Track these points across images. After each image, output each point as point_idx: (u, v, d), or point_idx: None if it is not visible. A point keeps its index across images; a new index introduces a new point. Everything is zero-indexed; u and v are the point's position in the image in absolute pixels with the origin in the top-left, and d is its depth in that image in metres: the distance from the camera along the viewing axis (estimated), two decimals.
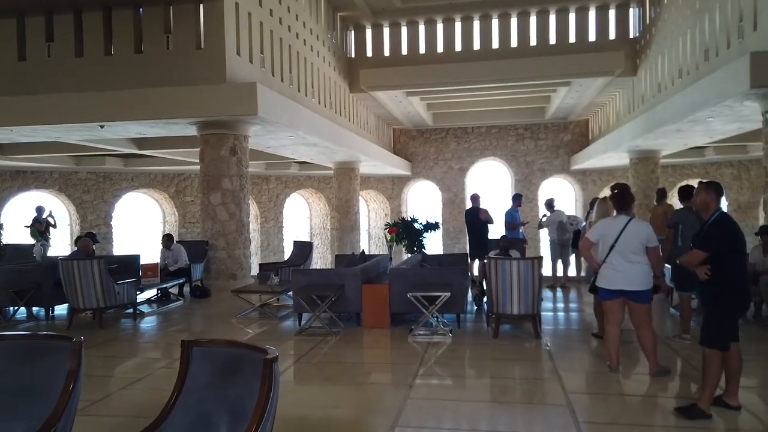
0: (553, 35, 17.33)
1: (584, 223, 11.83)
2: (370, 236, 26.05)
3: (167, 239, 9.60)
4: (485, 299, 8.43)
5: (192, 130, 10.58)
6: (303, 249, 9.83)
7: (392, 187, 25.12)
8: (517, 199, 10.92)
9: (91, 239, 9.08)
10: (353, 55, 18.51)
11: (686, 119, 11.08)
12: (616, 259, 4.92)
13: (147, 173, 20.18)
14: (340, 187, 18.26)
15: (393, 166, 21.13)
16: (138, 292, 8.13)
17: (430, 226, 10.25)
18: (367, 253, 24.92)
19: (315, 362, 5.70)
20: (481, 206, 9.72)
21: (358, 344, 6.49)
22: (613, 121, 19.55)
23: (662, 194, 11.18)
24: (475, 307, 8.39)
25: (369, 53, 18.43)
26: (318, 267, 24.91)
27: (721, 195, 4.27)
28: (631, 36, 17.07)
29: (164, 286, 9.04)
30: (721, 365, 4.02)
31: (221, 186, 10.28)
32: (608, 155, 18.22)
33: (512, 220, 10.53)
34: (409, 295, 6.43)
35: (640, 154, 16.46)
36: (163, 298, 9.39)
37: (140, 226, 22.71)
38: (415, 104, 19.52)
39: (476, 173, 25.65)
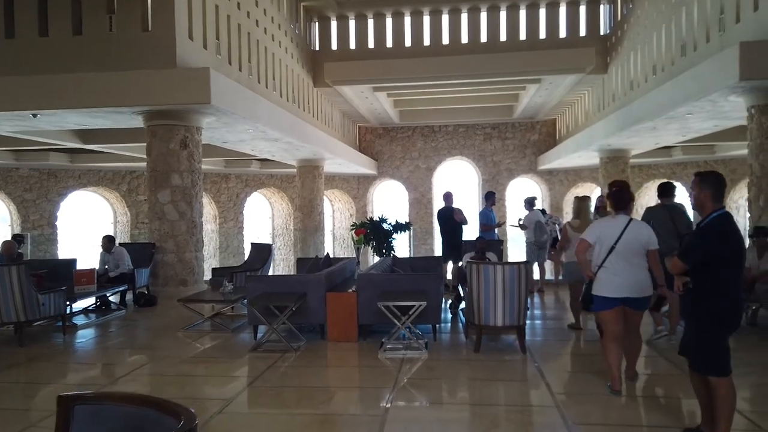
0: (523, 31, 16.83)
1: (561, 224, 11.31)
2: (335, 237, 25.17)
3: (107, 241, 8.56)
4: (461, 306, 7.72)
5: (138, 121, 9.56)
6: (261, 252, 8.93)
7: (358, 187, 24.30)
8: (490, 197, 10.24)
9: (16, 242, 7.98)
10: (317, 48, 17.63)
11: (664, 116, 10.60)
12: (617, 263, 4.39)
13: (96, 170, 18.85)
14: (303, 186, 17.34)
15: (359, 164, 20.31)
16: (69, 303, 7.11)
17: (401, 227, 9.49)
18: (332, 256, 24.07)
19: (271, 385, 4.84)
20: (455, 205, 9.02)
21: (322, 362, 5.65)
22: (582, 120, 19.18)
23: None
24: (450, 315, 7.67)
25: (334, 46, 17.58)
26: (281, 271, 23.97)
27: (720, 189, 3.47)
28: (602, 33, 16.69)
29: (103, 294, 8.02)
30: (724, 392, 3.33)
31: (170, 182, 9.29)
32: (578, 155, 17.81)
33: (487, 221, 9.85)
34: (379, 304, 5.63)
35: (610, 154, 16.06)
36: (103, 307, 8.35)
37: (89, 227, 21.28)
38: (381, 100, 18.75)
39: (444, 173, 25.05)
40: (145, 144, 9.49)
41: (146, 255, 9.14)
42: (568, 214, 23.57)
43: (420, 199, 24.00)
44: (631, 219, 4.53)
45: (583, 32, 16.73)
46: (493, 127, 23.61)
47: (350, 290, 6.52)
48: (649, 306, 5.08)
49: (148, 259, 9.11)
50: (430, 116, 22.95)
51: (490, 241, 8.78)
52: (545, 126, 23.37)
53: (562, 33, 16.70)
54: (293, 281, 6.32)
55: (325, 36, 17.69)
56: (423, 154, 23.98)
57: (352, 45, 17.44)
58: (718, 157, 18.70)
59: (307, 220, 17.33)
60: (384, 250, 9.35)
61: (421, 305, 5.56)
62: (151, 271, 9.24)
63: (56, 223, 18.54)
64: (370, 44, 17.31)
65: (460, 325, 7.13)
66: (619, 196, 4.64)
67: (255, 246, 9.42)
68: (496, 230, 10.47)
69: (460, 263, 8.80)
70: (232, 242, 21.63)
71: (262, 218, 26.17)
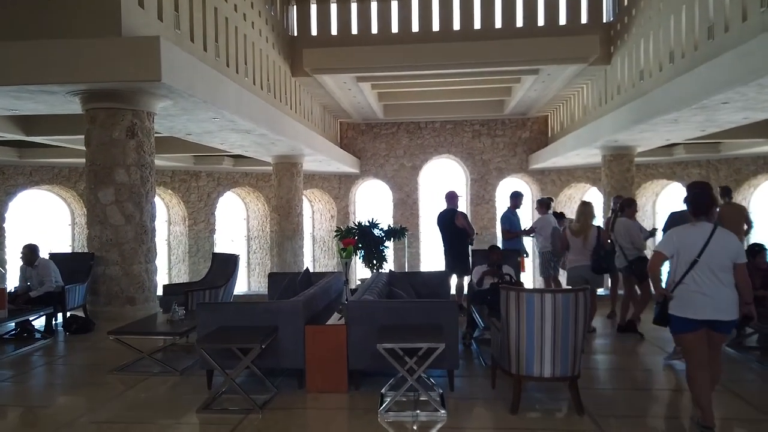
0: (520, 17, 15.32)
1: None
2: (315, 240, 23.43)
3: (28, 252, 6.75)
4: (474, 334, 6.11)
5: (77, 105, 7.76)
6: (225, 265, 7.17)
7: (339, 186, 22.60)
8: (516, 198, 8.55)
9: None
10: (296, 34, 15.89)
11: (694, 105, 9.14)
12: (703, 279, 3.72)
13: (49, 166, 16.86)
14: (280, 184, 15.59)
15: (341, 162, 18.61)
16: None
17: (394, 233, 7.86)
18: (312, 260, 22.20)
19: None
20: (459, 208, 7.42)
21: (299, 428, 3.99)
22: (579, 115, 17.74)
23: (728, 192, 9.36)
24: (461, 346, 6.06)
25: (314, 32, 15.85)
26: (257, 277, 22.11)
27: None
28: (605, 20, 15.25)
29: (21, 319, 6.24)
30: None
31: (114, 179, 7.50)
32: (576, 152, 16.37)
33: (511, 227, 8.15)
34: (380, 347, 4.00)
35: (614, 151, 14.62)
36: (24, 335, 6.58)
37: (44, 230, 19.27)
38: (365, 92, 17.06)
39: (430, 172, 23.49)
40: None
41: (83, 268, 7.36)
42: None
43: (405, 200, 22.40)
44: (715, 227, 3.80)
45: (584, 19, 15.28)
46: (483, 123, 22.11)
47: (337, 321, 4.87)
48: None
49: (85, 272, 7.33)
50: (416, 111, 21.35)
51: (507, 251, 7.18)
52: (537, 123, 21.94)
53: (562, 20, 15.22)
54: (260, 311, 4.62)
55: (303, 20, 15.96)
56: (408, 152, 22.37)
57: (334, 31, 15.74)
58: (723, 156, 17.44)
59: (285, 222, 15.60)
60: (375, 262, 7.71)
61: (438, 348, 3.94)
62: (90, 288, 7.46)
63: (3, 225, 16.52)
64: (354, 30, 15.64)
65: (479, 361, 5.52)
66: (701, 200, 3.88)
67: (218, 257, 7.63)
68: (523, 238, 8.63)
69: (468, 277, 7.21)
70: (203, 245, 19.75)
71: (236, 219, 24.34)
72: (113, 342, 5.92)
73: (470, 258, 7.34)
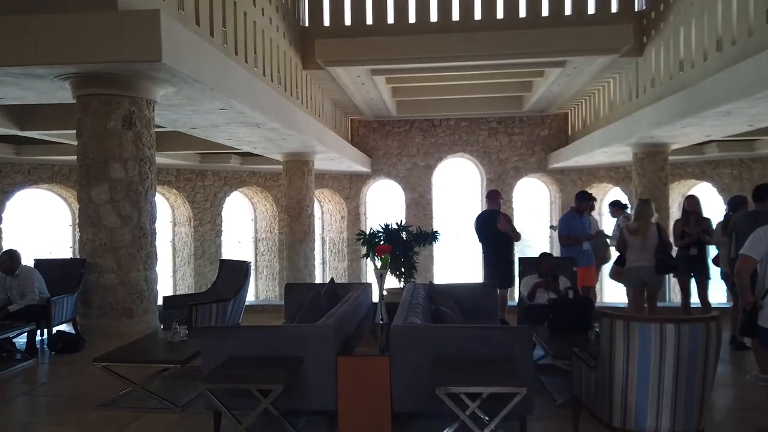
0: (546, 6, 14.32)
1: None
2: (325, 242, 22.47)
3: (8, 260, 5.81)
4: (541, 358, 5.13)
5: (66, 91, 6.83)
6: (234, 273, 6.16)
7: (350, 186, 21.65)
8: (582, 200, 7.43)
9: None
10: (307, 24, 14.93)
11: (757, 95, 8.15)
12: None
13: (48, 164, 15.97)
14: (290, 184, 14.64)
15: (353, 160, 17.66)
16: None
17: (425, 237, 6.89)
18: (324, 264, 21.13)
19: None
20: (501, 210, 6.45)
21: None
22: (605, 112, 16.72)
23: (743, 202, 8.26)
24: None
25: (326, 22, 14.89)
26: (265, 281, 21.14)
27: None
28: (637, 9, 14.25)
29: (4, 336, 5.30)
30: None
31: (108, 175, 6.56)
32: (603, 150, 15.41)
33: (570, 232, 7.03)
34: (440, 391, 3.04)
35: (647, 148, 13.62)
36: (3, 354, 5.64)
37: (44, 231, 18.42)
38: (380, 87, 16.08)
39: (444, 171, 22.52)
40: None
41: (73, 276, 6.42)
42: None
43: (418, 201, 21.42)
44: None
45: (614, 8, 14.28)
46: (499, 121, 21.10)
47: (376, 350, 3.91)
48: None
49: (75, 281, 6.39)
50: (430, 108, 20.35)
51: (563, 260, 6.20)
52: (556, 121, 20.92)
53: (591, 9, 14.22)
54: (281, 337, 3.67)
55: (316, 10, 14.97)
56: (422, 151, 21.39)
57: (348, 21, 14.77)
58: (757, 154, 16.42)
59: (295, 224, 14.64)
60: (402, 271, 6.74)
61: (519, 394, 2.98)
62: (81, 299, 6.53)
63: (0, 226, 15.63)
64: (368, 20, 14.66)
65: (548, 395, 4.54)
66: None
67: (226, 264, 6.63)
68: (588, 244, 7.44)
69: (511, 289, 6.24)
70: (209, 247, 18.83)
71: (243, 221, 23.43)
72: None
73: (515, 266, 6.37)
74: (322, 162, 16.78)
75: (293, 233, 14.68)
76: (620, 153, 15.87)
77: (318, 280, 16.00)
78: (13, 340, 5.59)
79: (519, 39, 13.14)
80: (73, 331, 6.35)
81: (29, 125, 11.03)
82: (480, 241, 6.67)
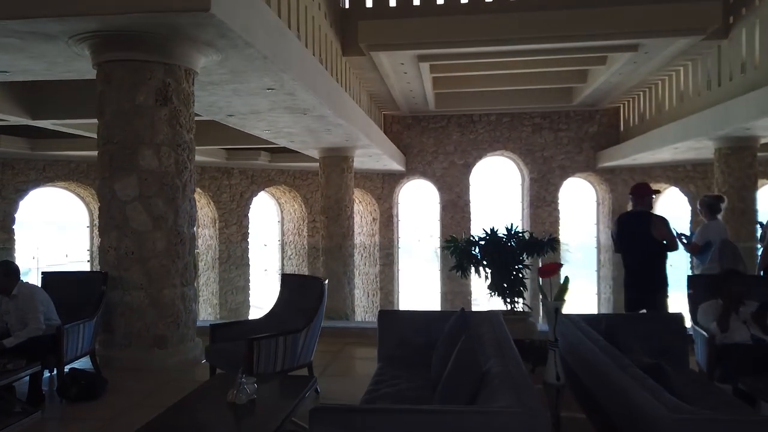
0: None
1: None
2: (355, 246, 20.93)
3: (1, 275, 4.34)
4: None
5: (85, 59, 5.36)
6: (303, 294, 4.54)
7: (382, 186, 20.11)
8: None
9: None
10: (347, 5, 13.42)
11: None
12: None
13: (65, 160, 14.60)
14: (328, 182, 13.12)
15: (391, 157, 16.13)
16: None
17: (537, 245, 5.32)
18: (356, 269, 19.48)
19: None
20: (655, 211, 4.90)
21: None
22: (671, 104, 15.06)
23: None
24: None
25: (369, 3, 13.37)
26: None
27: None
28: None
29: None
30: None
31: (137, 164, 5.08)
32: (675, 147, 13.78)
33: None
34: None
35: (733, 143, 11.95)
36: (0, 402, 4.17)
37: (60, 232, 17.07)
38: (424, 75, 14.53)
39: (484, 171, 20.96)
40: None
41: (91, 295, 4.94)
42: None
43: (456, 202, 19.85)
44: None
45: None
46: (544, 116, 19.48)
47: None
48: None
49: (94, 302, 4.91)
50: (469, 102, 18.74)
51: (750, 279, 4.62)
52: (605, 116, 19.26)
53: None
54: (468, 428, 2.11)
55: None
56: (459, 148, 19.81)
57: (393, 1, 13.25)
58: None
59: (334, 226, 13.12)
60: (504, 287, 5.18)
61: None
62: (101, 324, 5.04)
63: (13, 227, 14.29)
64: (416, 0, 13.13)
65: None
66: None
67: (291, 281, 4.99)
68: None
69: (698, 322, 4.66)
70: (234, 251, 17.37)
71: (267, 222, 22.00)
72: (137, 413, 3.45)
73: (668, 287, 4.81)
74: (359, 159, 15.28)
75: (331, 236, 13.17)
76: (693, 149, 14.25)
77: (353, 287, 14.48)
78: (12, 384, 4.09)
79: (587, 18, 11.52)
80: (91, 368, 4.85)
81: (42, 113, 9.61)
82: (621, 251, 5.11)
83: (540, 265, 3.22)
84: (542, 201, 19.54)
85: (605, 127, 19.19)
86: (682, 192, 17.93)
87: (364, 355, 5.70)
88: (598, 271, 20.28)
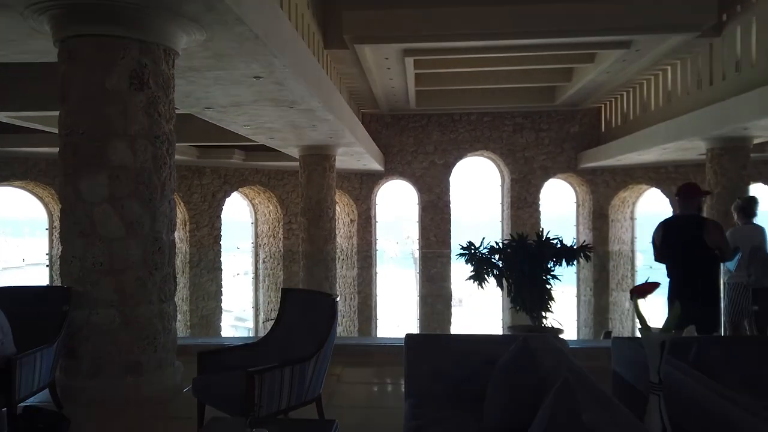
0: None
1: None
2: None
3: None
4: None
5: (45, 34, 4.52)
6: (309, 312, 3.78)
7: (360, 186, 19.41)
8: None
9: None
10: None
11: None
12: None
13: (22, 157, 13.47)
14: (309, 182, 12.36)
15: (372, 156, 15.46)
16: None
17: (569, 253, 4.71)
18: (336, 275, 18.75)
19: None
20: (705, 215, 4.32)
21: None
22: (657, 104, 14.79)
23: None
24: None
25: None
26: (263, 292, 18.70)
27: None
28: None
29: None
30: None
31: (108, 159, 4.28)
32: (663, 147, 13.49)
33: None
34: None
35: (727, 143, 11.65)
36: None
37: (18, 237, 15.86)
38: (408, 72, 13.90)
39: (464, 171, 20.47)
40: None
41: (51, 315, 4.12)
42: (616, 222, 19.31)
43: (435, 203, 19.28)
44: None
45: None
46: (525, 116, 19.09)
47: None
48: None
49: (55, 324, 4.09)
50: (450, 101, 18.19)
51: None
52: (587, 116, 18.97)
53: None
54: None
55: None
56: (440, 148, 19.27)
57: None
58: None
59: (314, 229, 12.36)
60: (523, 300, 4.55)
61: None
62: (63, 349, 4.22)
63: None
64: None
65: None
66: None
67: (294, 298, 4.20)
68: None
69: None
70: (206, 255, 16.41)
71: (240, 224, 21.07)
72: None
73: (720, 301, 4.25)
74: (339, 158, 14.54)
75: (312, 240, 12.41)
76: (680, 150, 13.99)
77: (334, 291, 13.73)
78: None
79: (580, 12, 11.06)
80: (50, 404, 4.03)
81: None
82: (666, 260, 4.52)
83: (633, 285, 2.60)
84: (523, 202, 19.15)
85: (587, 127, 18.92)
86: (664, 193, 17.73)
87: (371, 377, 5.03)
88: (578, 273, 20.00)
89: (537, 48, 12.76)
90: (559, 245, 4.86)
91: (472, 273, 4.99)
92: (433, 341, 3.41)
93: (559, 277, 4.83)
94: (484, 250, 4.90)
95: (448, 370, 3.28)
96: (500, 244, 4.83)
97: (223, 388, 3.41)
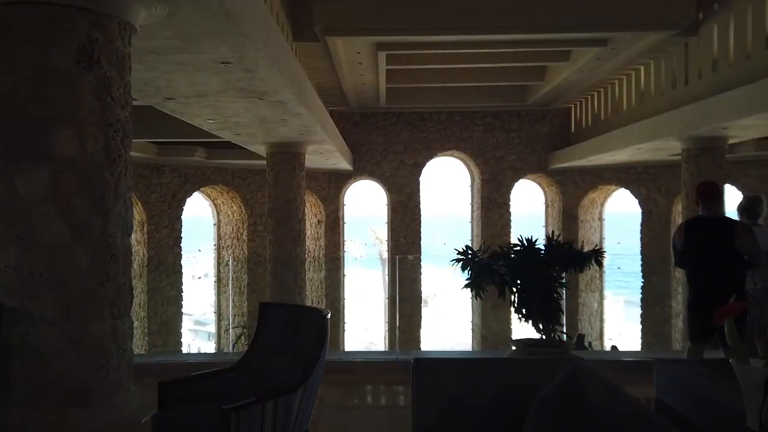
0: None
1: None
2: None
3: None
4: None
5: None
6: (295, 331, 3.17)
7: (328, 186, 18.80)
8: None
9: None
10: None
11: None
12: None
13: None
14: (277, 181, 11.68)
15: (342, 155, 14.88)
16: None
17: (580, 259, 4.26)
18: (305, 281, 18.08)
19: None
20: (737, 219, 3.91)
21: None
22: (630, 104, 14.69)
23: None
24: None
25: None
26: (227, 296, 17.81)
27: None
28: None
29: None
30: None
31: (50, 150, 3.59)
32: (637, 147, 13.40)
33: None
34: None
35: (703, 143, 11.55)
36: None
37: None
38: (380, 66, 13.38)
39: (435, 171, 20.10)
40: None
41: None
42: (585, 223, 19.24)
43: (405, 203, 18.85)
44: None
45: None
46: (495, 116, 18.84)
47: None
48: None
49: None
50: (421, 99, 17.75)
51: None
52: (557, 116, 18.87)
53: None
54: None
55: None
56: (410, 148, 18.85)
57: None
58: None
59: (283, 230, 11.69)
60: (542, 310, 4.10)
61: None
62: None
63: None
64: None
65: None
66: None
67: (274, 314, 3.48)
68: None
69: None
70: (165, 258, 15.49)
71: (202, 225, 20.16)
72: None
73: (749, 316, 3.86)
74: (308, 156, 13.92)
75: (279, 242, 11.74)
76: (653, 150, 13.94)
77: (306, 299, 13.07)
78: None
79: (558, 7, 10.76)
80: None
81: None
82: (689, 266, 4.10)
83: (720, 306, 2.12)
84: (493, 203, 18.91)
85: (557, 127, 18.81)
86: (633, 194, 17.74)
87: (359, 401, 4.47)
88: None
89: (513, 44, 12.45)
90: (572, 249, 4.42)
91: (469, 281, 4.49)
92: (444, 367, 2.88)
93: (567, 285, 4.40)
94: (485, 256, 4.41)
95: (463, 400, 2.76)
96: (505, 249, 4.36)
97: (190, 427, 2.80)
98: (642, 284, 17.09)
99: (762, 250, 4.89)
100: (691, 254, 4.17)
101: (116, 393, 3.85)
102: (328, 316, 3.18)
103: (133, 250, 13.02)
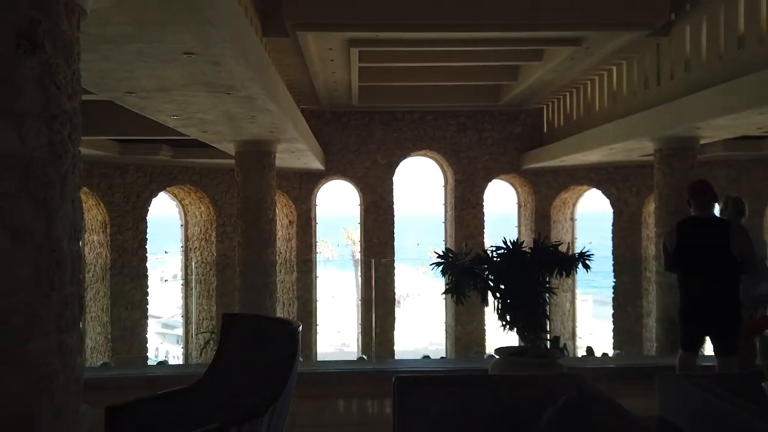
0: None
1: None
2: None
3: None
4: None
5: None
6: (264, 343, 2.88)
7: (299, 186, 18.38)
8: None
9: None
10: None
11: None
12: None
13: None
14: (246, 181, 11.25)
15: (314, 154, 14.51)
16: None
17: (567, 262, 4.00)
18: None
19: None
20: (734, 220, 3.70)
21: None
22: (602, 104, 14.67)
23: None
24: None
25: None
26: (194, 299, 17.20)
27: None
28: None
29: None
30: None
31: None
32: (610, 148, 13.37)
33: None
34: None
35: (676, 144, 11.54)
36: None
37: None
38: (352, 63, 13.05)
39: (408, 171, 19.85)
40: None
41: None
42: (557, 223, 19.24)
43: (378, 203, 18.56)
44: None
45: None
46: (468, 116, 18.70)
47: None
48: None
49: None
50: (393, 98, 17.49)
51: None
52: (530, 116, 18.82)
53: None
54: None
55: None
56: (383, 147, 18.57)
57: None
58: (759, 155, 14.99)
59: (252, 231, 11.26)
60: (526, 317, 3.85)
61: None
62: None
63: None
64: None
65: None
66: None
67: (238, 324, 3.18)
68: None
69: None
70: (129, 260, 14.88)
71: (169, 226, 19.53)
72: None
73: (741, 318, 3.67)
74: (278, 155, 13.51)
75: (249, 243, 11.31)
76: (626, 151, 13.93)
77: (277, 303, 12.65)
78: None
79: (530, 6, 10.62)
80: None
81: None
82: (680, 269, 3.88)
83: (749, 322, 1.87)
84: (467, 203, 18.77)
85: (529, 128, 18.76)
86: (604, 194, 17.80)
87: (335, 418, 4.15)
88: None
89: (486, 42, 12.27)
90: (570, 252, 4.18)
91: (449, 286, 4.22)
92: (431, 386, 2.59)
93: (554, 290, 4.16)
94: (467, 259, 4.14)
95: (450, 421, 2.46)
96: (489, 253, 4.10)
97: None
98: (613, 284, 17.13)
99: (756, 254, 4.74)
100: (684, 257, 3.96)
101: (63, 416, 3.44)
102: (300, 328, 2.86)
103: (95, 253, 12.31)
